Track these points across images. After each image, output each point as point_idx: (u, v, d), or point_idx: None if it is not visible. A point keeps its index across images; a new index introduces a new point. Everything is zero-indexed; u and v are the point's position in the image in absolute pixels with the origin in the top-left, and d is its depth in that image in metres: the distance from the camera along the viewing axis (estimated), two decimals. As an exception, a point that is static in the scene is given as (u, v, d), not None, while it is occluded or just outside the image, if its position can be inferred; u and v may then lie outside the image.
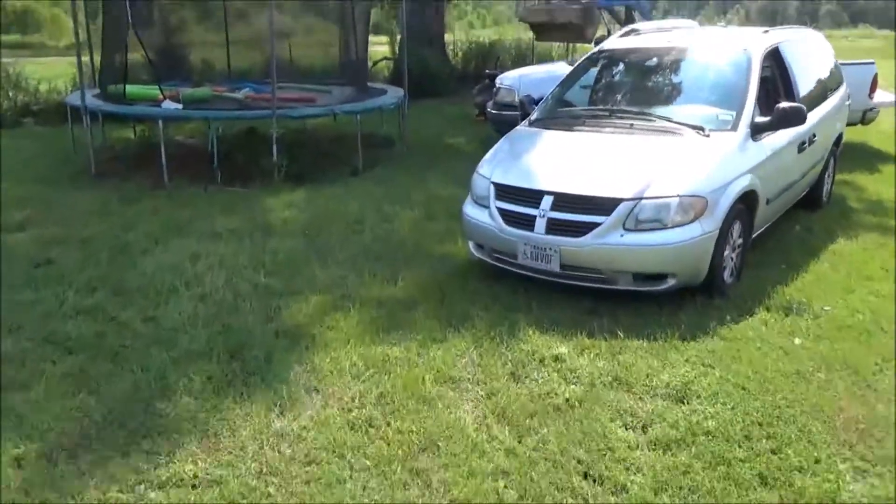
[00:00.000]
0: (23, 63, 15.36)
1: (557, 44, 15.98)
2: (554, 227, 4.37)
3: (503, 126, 10.02)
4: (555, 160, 4.75)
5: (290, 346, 3.95)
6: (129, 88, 8.27)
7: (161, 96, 8.18)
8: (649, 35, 6.09)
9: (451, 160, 9.18)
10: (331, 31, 11.75)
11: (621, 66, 5.72)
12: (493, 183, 4.80)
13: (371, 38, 13.03)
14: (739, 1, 72.38)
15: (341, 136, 10.20)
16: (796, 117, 4.81)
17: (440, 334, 4.11)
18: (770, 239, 5.55)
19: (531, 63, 15.57)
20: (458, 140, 10.63)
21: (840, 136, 6.73)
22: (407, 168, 8.71)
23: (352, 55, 10.08)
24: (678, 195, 4.22)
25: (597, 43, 14.22)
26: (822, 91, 6.21)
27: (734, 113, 4.79)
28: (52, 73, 14.75)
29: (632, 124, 4.84)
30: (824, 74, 6.42)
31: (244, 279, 4.96)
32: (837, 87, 6.67)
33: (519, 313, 4.35)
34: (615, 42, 5.99)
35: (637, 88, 5.40)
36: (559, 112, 5.55)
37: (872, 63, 8.67)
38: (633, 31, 10.06)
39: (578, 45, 16.14)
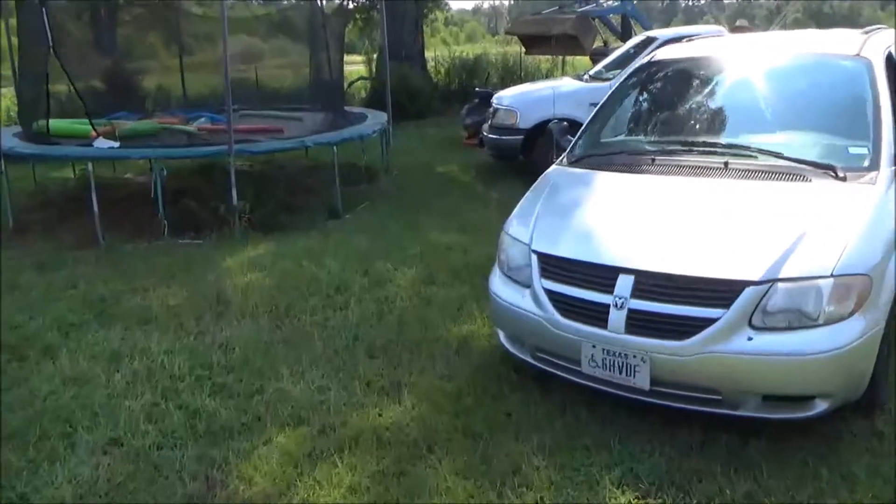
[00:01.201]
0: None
1: (546, 58, 14.60)
2: (638, 322, 2.84)
3: (502, 152, 8.54)
4: (626, 218, 3.23)
5: (241, 556, 2.38)
6: (55, 124, 6.63)
7: (94, 133, 6.55)
8: (711, 41, 4.64)
9: (446, 195, 7.65)
10: (300, 50, 10.20)
11: (683, 82, 4.22)
12: (535, 252, 3.27)
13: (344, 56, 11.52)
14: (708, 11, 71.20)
15: (316, 170, 8.63)
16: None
17: (481, 508, 2.56)
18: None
19: (520, 79, 14.15)
20: (449, 168, 9.12)
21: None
22: (395, 208, 7.16)
23: (325, 77, 8.54)
24: (831, 274, 2.73)
25: (594, 55, 12.87)
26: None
27: (868, 145, 3.31)
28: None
29: (726, 163, 3.34)
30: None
31: (179, 402, 3.34)
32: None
33: (594, 458, 2.80)
34: (668, 50, 4.50)
35: (714, 113, 3.91)
36: (611, 145, 4.05)
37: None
38: (648, 39, 8.73)
39: (569, 58, 14.78)
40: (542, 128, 7.74)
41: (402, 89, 12.57)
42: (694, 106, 3.93)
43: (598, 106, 4.31)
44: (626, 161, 3.64)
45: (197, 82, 10.86)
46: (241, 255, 5.67)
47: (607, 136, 4.21)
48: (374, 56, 14.38)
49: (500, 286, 3.45)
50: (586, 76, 8.22)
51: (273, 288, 4.88)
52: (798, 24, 60.62)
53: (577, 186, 3.65)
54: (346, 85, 13.44)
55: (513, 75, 14.17)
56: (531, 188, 3.89)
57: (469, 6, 73.97)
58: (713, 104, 3.92)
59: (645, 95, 4.32)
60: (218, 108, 9.22)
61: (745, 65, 4.06)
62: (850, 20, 60.82)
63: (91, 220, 6.21)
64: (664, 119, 4.03)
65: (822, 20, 60.52)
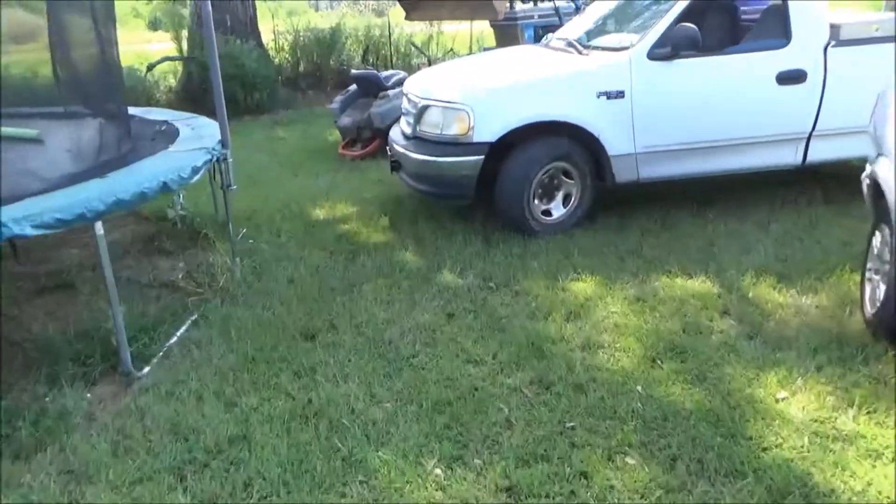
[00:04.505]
0: None
1: (421, 28, 10.75)
2: None
3: (440, 185, 4.53)
4: None
5: None
6: None
7: None
8: None
9: (354, 283, 3.65)
10: (31, 15, 5.52)
11: None
12: None
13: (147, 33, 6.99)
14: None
15: (67, 256, 4.26)
16: None
17: None
18: None
19: (388, 57, 10.20)
20: (338, 211, 5.03)
21: None
22: (258, 332, 3.10)
23: (85, 59, 4.11)
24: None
25: (502, 23, 9.22)
26: None
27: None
28: None
29: None
30: None
31: None
32: None
33: None
34: None
35: None
36: None
37: None
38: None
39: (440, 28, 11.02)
40: (514, 141, 4.05)
41: (233, 75, 8.19)
42: None
43: None
44: None
45: None
46: None
47: None
48: (186, 31, 9.68)
49: None
50: (567, 43, 4.55)
51: None
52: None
53: None
54: (145, 70, 8.77)
55: (378, 52, 10.24)
56: None
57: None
58: None
59: None
60: None
61: None
62: None
63: None
64: None
65: None
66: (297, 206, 5.11)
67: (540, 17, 8.58)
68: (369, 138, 6.48)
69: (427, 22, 10.43)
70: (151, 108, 5.10)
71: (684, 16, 4.11)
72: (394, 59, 10.07)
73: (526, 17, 8.42)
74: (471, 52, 9.33)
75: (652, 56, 4.04)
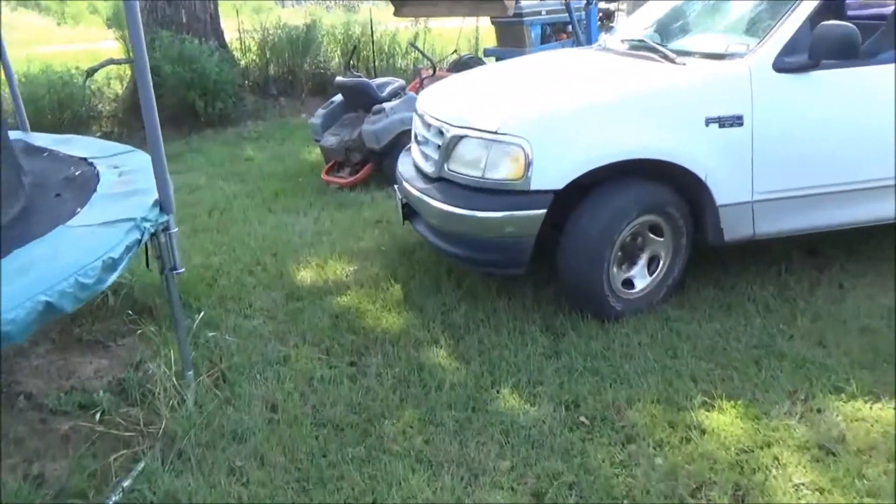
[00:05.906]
0: None
1: (406, 24, 9.37)
2: None
3: (478, 250, 2.99)
4: None
5: None
6: None
7: None
8: None
9: (382, 425, 2.25)
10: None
11: None
12: None
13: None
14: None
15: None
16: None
17: None
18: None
19: (373, 60, 8.81)
20: (338, 273, 3.64)
21: None
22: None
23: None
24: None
25: (508, 20, 7.78)
26: None
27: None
28: None
29: None
30: None
31: None
32: None
33: None
34: None
35: None
36: None
37: None
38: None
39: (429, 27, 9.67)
40: (587, 186, 2.79)
41: (191, 81, 6.76)
42: None
43: None
44: None
45: None
46: None
47: None
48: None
49: None
50: (642, 46, 3.28)
51: None
52: None
53: None
54: (84, 77, 7.24)
55: (359, 54, 8.85)
56: None
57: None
58: None
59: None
60: None
61: None
62: None
63: None
64: None
65: None
66: (273, 262, 3.75)
67: (548, 13, 7.35)
68: (359, 162, 5.15)
69: (414, 19, 9.07)
70: (70, 136, 3.66)
71: (818, 12, 2.88)
72: (377, 62, 8.69)
73: (533, 13, 7.15)
74: (476, 54, 8.01)
75: (780, 67, 2.80)
